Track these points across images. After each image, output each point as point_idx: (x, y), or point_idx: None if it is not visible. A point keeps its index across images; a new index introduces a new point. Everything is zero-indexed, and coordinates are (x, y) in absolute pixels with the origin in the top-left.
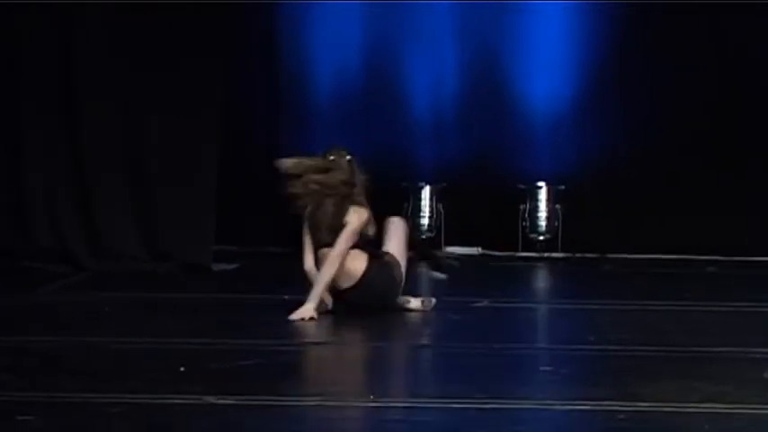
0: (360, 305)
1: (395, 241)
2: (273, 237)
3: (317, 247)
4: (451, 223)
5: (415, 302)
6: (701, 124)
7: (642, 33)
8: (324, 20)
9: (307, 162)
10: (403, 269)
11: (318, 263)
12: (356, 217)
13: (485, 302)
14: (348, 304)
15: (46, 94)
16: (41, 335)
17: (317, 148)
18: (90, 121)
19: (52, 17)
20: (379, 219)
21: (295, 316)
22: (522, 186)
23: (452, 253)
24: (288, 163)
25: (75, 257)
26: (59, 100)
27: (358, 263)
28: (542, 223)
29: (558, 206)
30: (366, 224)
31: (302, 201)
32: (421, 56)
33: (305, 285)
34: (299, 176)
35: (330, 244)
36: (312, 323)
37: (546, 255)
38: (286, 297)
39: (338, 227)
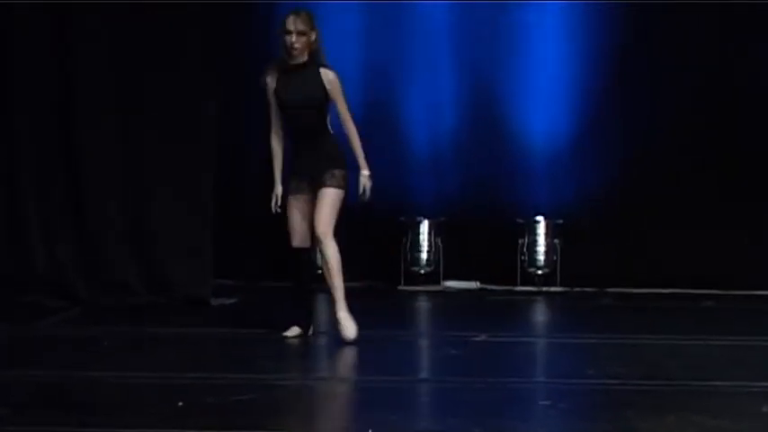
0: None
1: None
2: (271, 271)
3: (291, 110)
4: (450, 257)
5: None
6: (700, 159)
7: (641, 65)
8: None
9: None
10: None
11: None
12: (333, 77)
13: (483, 337)
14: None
15: (43, 125)
16: (40, 369)
17: None
18: (88, 152)
19: (52, 46)
20: (376, 258)
21: (368, 190)
22: (520, 220)
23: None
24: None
25: (73, 290)
26: (58, 131)
27: None
28: (541, 257)
29: (556, 240)
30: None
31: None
32: (418, 89)
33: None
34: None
35: (306, 104)
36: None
37: (544, 289)
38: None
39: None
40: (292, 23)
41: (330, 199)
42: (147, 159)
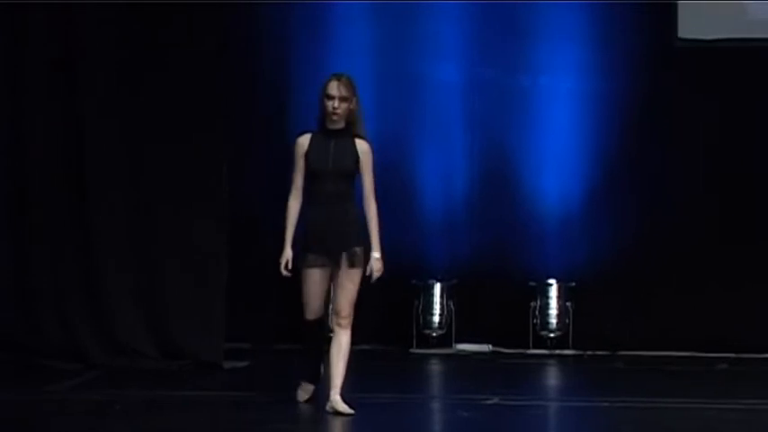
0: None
1: None
2: (283, 334)
3: (320, 175)
4: (462, 320)
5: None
6: (712, 222)
7: (655, 125)
8: None
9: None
10: None
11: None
12: (368, 149)
13: (495, 400)
14: None
15: (55, 195)
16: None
17: None
18: (99, 216)
19: (64, 119)
20: (388, 320)
21: (379, 272)
22: (532, 283)
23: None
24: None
25: (85, 354)
26: (69, 201)
27: None
28: (553, 320)
29: (568, 303)
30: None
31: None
32: (430, 152)
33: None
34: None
35: (335, 172)
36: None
37: (557, 352)
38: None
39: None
40: (336, 89)
41: (356, 282)
42: (159, 227)
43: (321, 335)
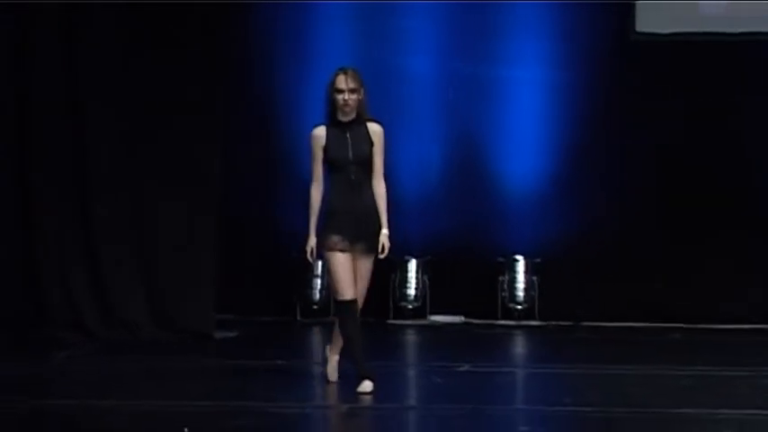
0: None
1: None
2: (269, 307)
3: (342, 165)
4: (436, 294)
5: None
6: (672, 201)
7: (614, 113)
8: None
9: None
10: None
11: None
12: (379, 129)
13: (466, 367)
14: None
15: (62, 181)
16: (56, 398)
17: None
18: (100, 202)
19: (67, 107)
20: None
21: (386, 249)
22: (501, 259)
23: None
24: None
25: (86, 327)
26: (72, 185)
27: None
28: (520, 294)
29: (534, 278)
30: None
31: (348, 113)
32: (408, 138)
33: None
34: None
35: (356, 161)
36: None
37: (523, 323)
38: None
39: (369, 144)
40: (344, 82)
41: (371, 267)
42: (155, 210)
43: (357, 323)
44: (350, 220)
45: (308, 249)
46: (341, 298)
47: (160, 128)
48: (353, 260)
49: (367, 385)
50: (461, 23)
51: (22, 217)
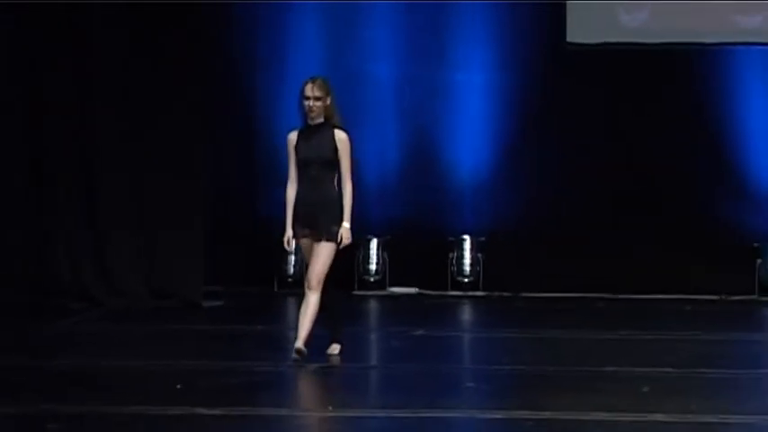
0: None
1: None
2: (251, 279)
3: (307, 163)
4: (394, 268)
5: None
6: (597, 186)
7: (548, 112)
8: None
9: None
10: None
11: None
12: (344, 137)
13: (421, 332)
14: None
15: (71, 170)
16: (63, 359)
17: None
18: (104, 188)
19: (75, 103)
20: (335, 269)
21: (347, 240)
22: (450, 238)
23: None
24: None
25: (91, 295)
26: (82, 170)
27: None
28: (467, 268)
29: (479, 254)
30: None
31: (314, 118)
32: (368, 133)
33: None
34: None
35: (317, 160)
36: (281, 346)
37: (470, 293)
38: None
39: (331, 146)
40: (310, 90)
41: (326, 252)
42: (152, 191)
43: (330, 299)
44: (309, 212)
45: (285, 239)
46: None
47: (155, 120)
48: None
49: (334, 347)
50: (414, 30)
51: (37, 200)
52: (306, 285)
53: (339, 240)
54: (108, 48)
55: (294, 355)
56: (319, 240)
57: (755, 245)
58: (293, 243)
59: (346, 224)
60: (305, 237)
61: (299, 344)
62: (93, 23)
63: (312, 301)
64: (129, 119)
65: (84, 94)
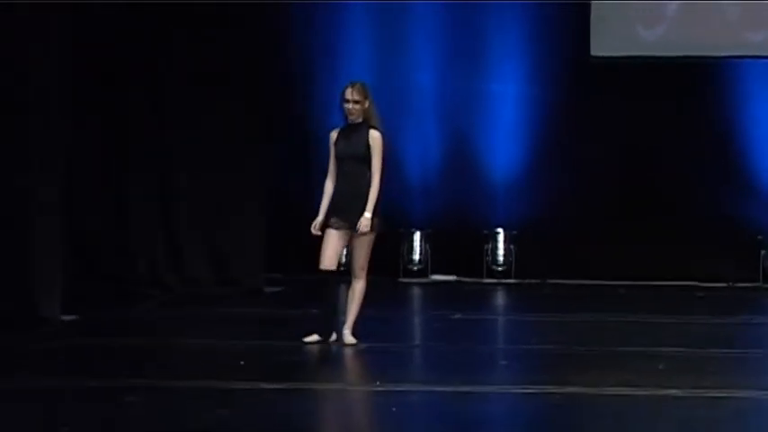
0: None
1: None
2: (306, 268)
3: (343, 159)
4: (435, 258)
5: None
6: (617, 188)
7: (575, 119)
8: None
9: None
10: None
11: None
12: (377, 135)
13: (459, 315)
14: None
15: (145, 172)
16: (140, 338)
17: None
18: (175, 186)
19: (159, 123)
20: (383, 259)
21: (365, 229)
22: (485, 231)
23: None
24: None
25: (166, 283)
26: (158, 182)
27: None
28: (500, 258)
29: (511, 246)
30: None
31: (353, 119)
32: (412, 133)
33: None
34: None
35: (352, 156)
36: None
37: (503, 281)
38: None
39: (365, 143)
40: (350, 94)
41: (364, 243)
42: (218, 189)
43: (333, 290)
44: (341, 203)
45: (314, 224)
46: (320, 267)
47: (219, 125)
48: (350, 238)
49: (312, 337)
50: (455, 46)
51: (117, 201)
52: (351, 275)
53: (359, 227)
54: (177, 58)
55: (339, 340)
56: (348, 230)
57: (759, 237)
58: (318, 229)
59: (367, 214)
60: (332, 227)
61: (346, 328)
62: (162, 32)
63: (358, 288)
64: (196, 125)
65: (157, 103)
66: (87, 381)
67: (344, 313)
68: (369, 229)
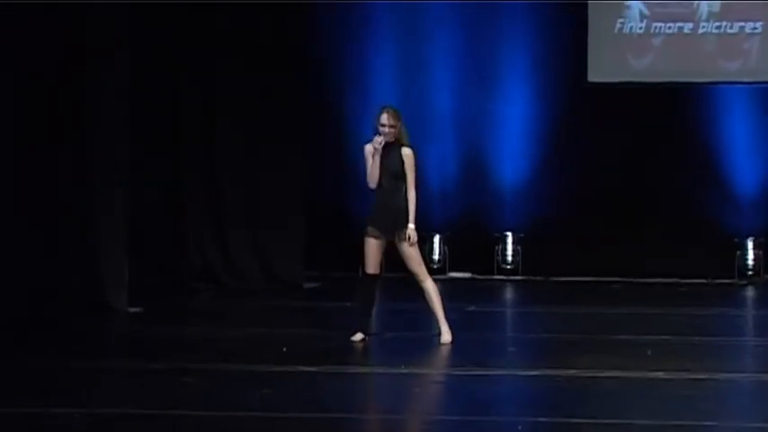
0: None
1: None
2: (342, 264)
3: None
4: (452, 257)
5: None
6: (611, 195)
7: (574, 136)
8: (367, 114)
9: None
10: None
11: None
12: (409, 152)
13: (473, 308)
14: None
15: (200, 181)
16: (196, 327)
17: (365, 204)
18: (226, 193)
19: (204, 131)
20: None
21: (414, 239)
22: (496, 234)
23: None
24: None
25: (217, 278)
26: (209, 185)
27: None
28: (509, 258)
29: (519, 247)
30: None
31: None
32: (431, 147)
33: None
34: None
35: (389, 174)
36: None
37: (512, 278)
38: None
39: (400, 162)
40: (386, 119)
41: (413, 252)
42: (260, 194)
43: (373, 292)
44: (381, 217)
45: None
46: (364, 271)
47: (264, 135)
48: (394, 246)
49: (358, 336)
50: (468, 71)
51: (174, 206)
52: (417, 280)
53: (408, 238)
54: (228, 76)
55: (443, 339)
56: (384, 239)
57: (735, 240)
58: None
59: (411, 225)
60: (373, 237)
61: (443, 324)
62: (214, 52)
63: (429, 288)
64: (244, 139)
65: (210, 117)
66: (150, 364)
67: (434, 312)
68: (416, 239)
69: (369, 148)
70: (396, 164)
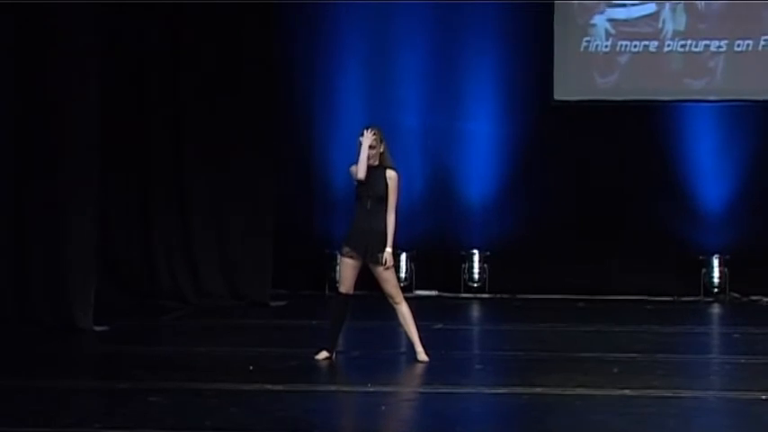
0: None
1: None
2: (307, 284)
3: (362, 197)
4: (419, 275)
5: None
6: (577, 213)
7: (540, 152)
8: (335, 133)
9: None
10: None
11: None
12: (393, 175)
13: (440, 325)
14: None
15: (168, 200)
16: (162, 346)
17: (341, 227)
18: (193, 211)
19: (174, 140)
20: (372, 278)
21: (390, 263)
22: (462, 252)
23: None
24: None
25: (185, 297)
26: (178, 204)
27: None
28: (476, 275)
29: (485, 265)
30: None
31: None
32: (398, 166)
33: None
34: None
35: (372, 196)
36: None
37: (478, 296)
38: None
39: (384, 183)
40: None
41: (389, 275)
42: (228, 215)
43: (344, 311)
44: (360, 239)
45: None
46: (338, 290)
47: (231, 157)
48: (368, 268)
49: (322, 354)
50: (434, 91)
51: (143, 226)
52: (392, 303)
53: (384, 261)
54: (197, 97)
55: (420, 358)
56: (359, 260)
57: (701, 258)
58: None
59: (389, 249)
60: (349, 257)
61: (417, 346)
62: (181, 66)
63: (403, 311)
64: (213, 160)
65: (179, 137)
66: (116, 383)
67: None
68: (392, 263)
69: (354, 169)
70: (380, 186)
